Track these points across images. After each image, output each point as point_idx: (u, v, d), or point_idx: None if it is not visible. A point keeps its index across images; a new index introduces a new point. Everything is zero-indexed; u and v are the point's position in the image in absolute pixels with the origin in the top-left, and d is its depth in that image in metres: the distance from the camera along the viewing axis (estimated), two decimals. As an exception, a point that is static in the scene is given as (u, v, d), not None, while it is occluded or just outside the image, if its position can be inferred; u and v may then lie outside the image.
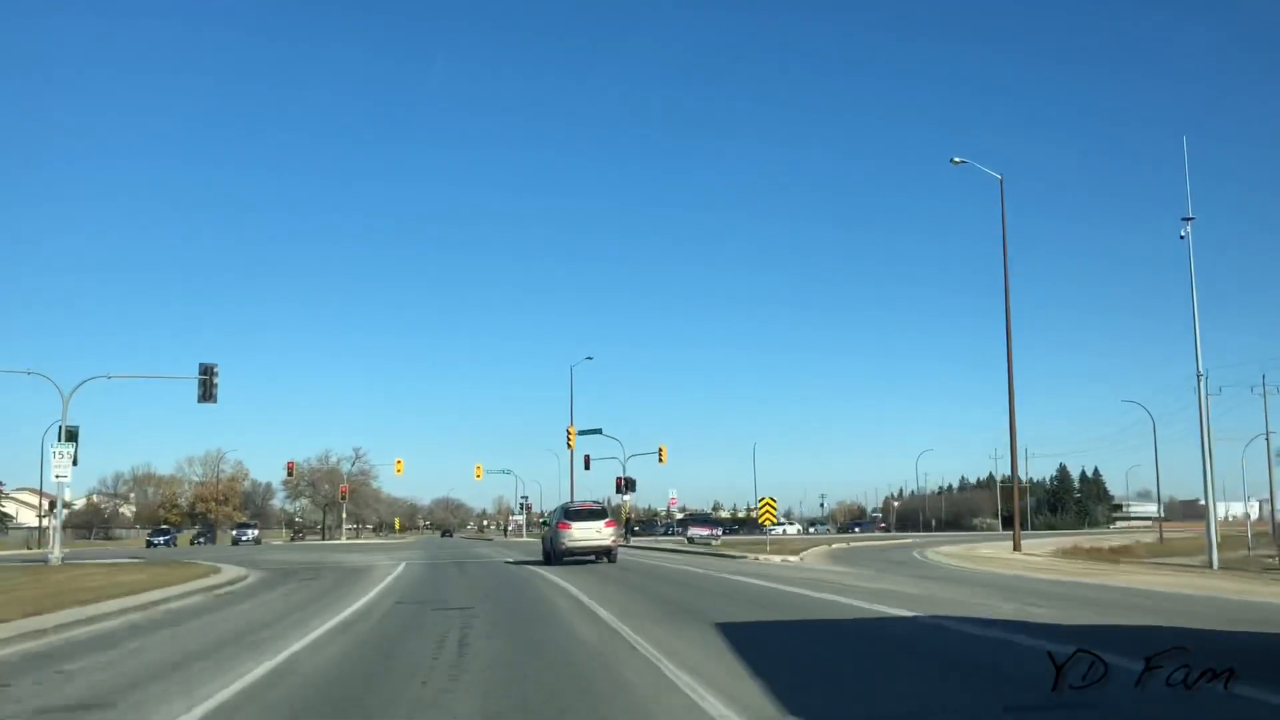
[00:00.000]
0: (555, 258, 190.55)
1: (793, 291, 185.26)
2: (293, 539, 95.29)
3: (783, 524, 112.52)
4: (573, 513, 30.73)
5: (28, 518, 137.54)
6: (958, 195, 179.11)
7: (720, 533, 48.57)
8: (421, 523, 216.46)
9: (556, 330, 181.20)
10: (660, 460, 71.22)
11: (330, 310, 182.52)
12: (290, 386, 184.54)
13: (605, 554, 30.19)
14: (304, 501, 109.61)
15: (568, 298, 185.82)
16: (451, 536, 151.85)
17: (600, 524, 30.18)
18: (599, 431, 57.53)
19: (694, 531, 48.84)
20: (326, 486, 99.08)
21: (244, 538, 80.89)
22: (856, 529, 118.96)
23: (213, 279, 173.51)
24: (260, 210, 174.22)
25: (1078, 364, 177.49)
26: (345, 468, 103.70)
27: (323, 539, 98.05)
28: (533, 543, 66.61)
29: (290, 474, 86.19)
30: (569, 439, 58.21)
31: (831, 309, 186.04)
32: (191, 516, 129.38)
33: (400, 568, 29.41)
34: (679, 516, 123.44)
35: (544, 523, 33.69)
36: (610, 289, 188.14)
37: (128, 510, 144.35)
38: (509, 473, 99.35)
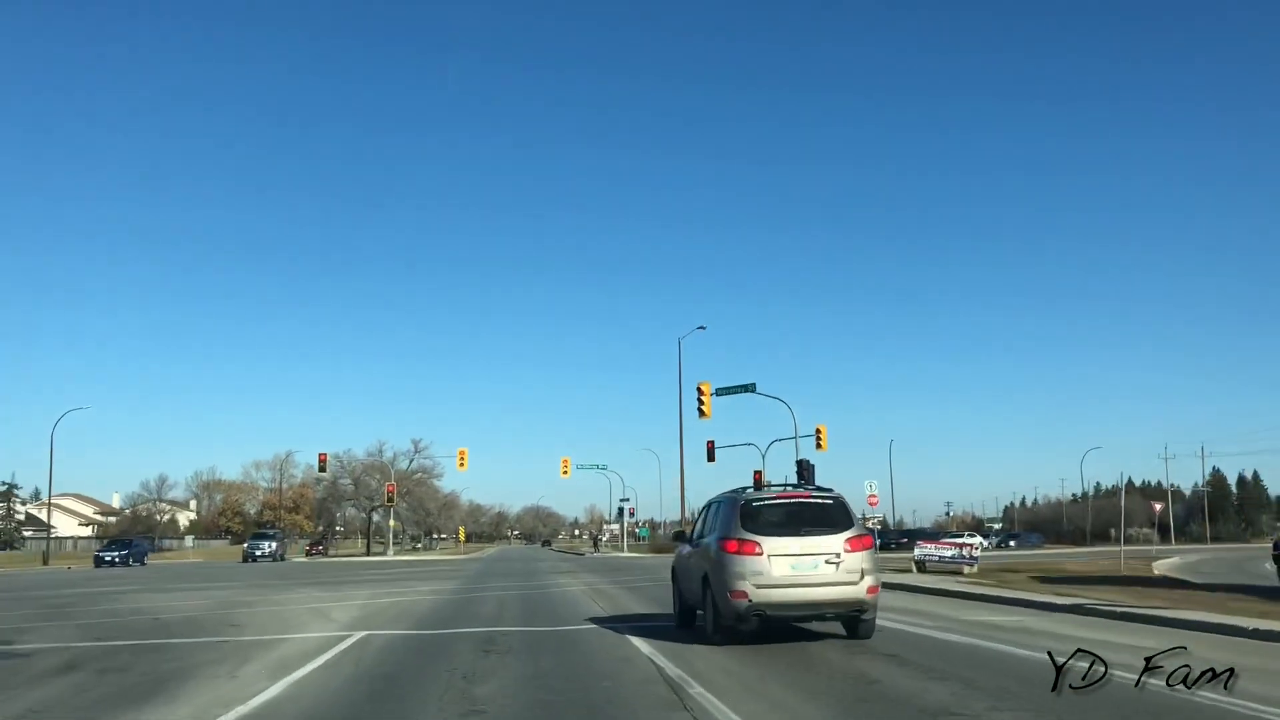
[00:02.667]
0: (652, 230, 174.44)
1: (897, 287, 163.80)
2: (309, 553, 77.82)
3: (961, 535, 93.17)
4: (761, 511, 12.34)
5: (69, 526, 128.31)
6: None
7: (978, 551, 29.06)
8: (510, 532, 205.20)
9: (655, 324, 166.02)
10: (819, 446, 52.53)
11: (401, 306, 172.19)
12: (369, 387, 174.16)
13: (853, 616, 12.17)
14: (348, 506, 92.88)
15: (667, 284, 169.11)
16: (549, 546, 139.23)
17: (836, 541, 11.89)
18: (751, 389, 38.20)
19: (926, 551, 29.42)
20: (374, 485, 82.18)
21: (259, 552, 64.49)
22: (1012, 542, 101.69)
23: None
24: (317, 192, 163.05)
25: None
26: (403, 465, 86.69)
27: (367, 553, 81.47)
28: (633, 561, 48.10)
29: (322, 468, 69.72)
30: (701, 402, 39.15)
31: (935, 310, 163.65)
32: (259, 525, 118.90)
33: (317, 664, 11.24)
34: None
35: (683, 538, 13.64)
36: (713, 269, 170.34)
37: (184, 518, 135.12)
38: (604, 468, 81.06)
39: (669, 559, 53.31)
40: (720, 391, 39.42)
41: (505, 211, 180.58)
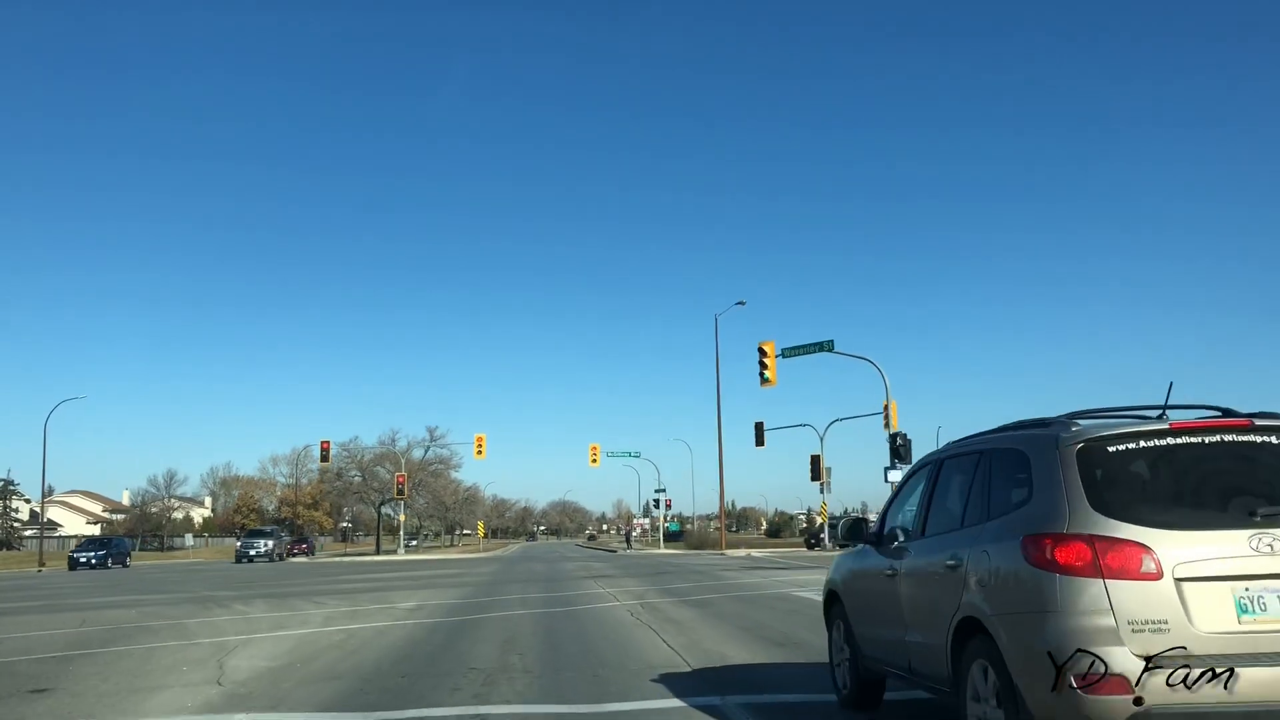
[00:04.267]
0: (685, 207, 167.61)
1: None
2: (290, 553, 68.25)
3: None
4: (1139, 466, 4.85)
5: (76, 525, 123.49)
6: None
7: None
8: (535, 527, 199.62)
9: (685, 309, 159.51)
10: (888, 425, 45.37)
11: (423, 298, 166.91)
12: (390, 380, 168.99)
13: None
14: (355, 500, 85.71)
15: (698, 268, 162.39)
16: (595, 540, 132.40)
17: None
18: (827, 347, 30.52)
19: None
20: (385, 476, 75.15)
21: (253, 551, 58.02)
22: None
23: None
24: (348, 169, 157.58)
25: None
26: (417, 455, 79.56)
27: (376, 551, 74.71)
28: (675, 561, 40.38)
29: (324, 457, 62.97)
30: (764, 366, 31.62)
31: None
32: (277, 523, 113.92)
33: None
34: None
35: (861, 534, 5.62)
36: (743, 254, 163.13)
37: (199, 515, 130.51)
38: (636, 455, 73.72)
39: (715, 559, 44.85)
40: (788, 352, 31.87)
41: (526, 189, 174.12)
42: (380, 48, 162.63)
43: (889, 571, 6.40)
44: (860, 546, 7.30)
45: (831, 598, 7.75)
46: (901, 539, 6.50)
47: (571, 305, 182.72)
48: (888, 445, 28.20)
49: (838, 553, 8.28)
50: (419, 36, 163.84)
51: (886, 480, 27.96)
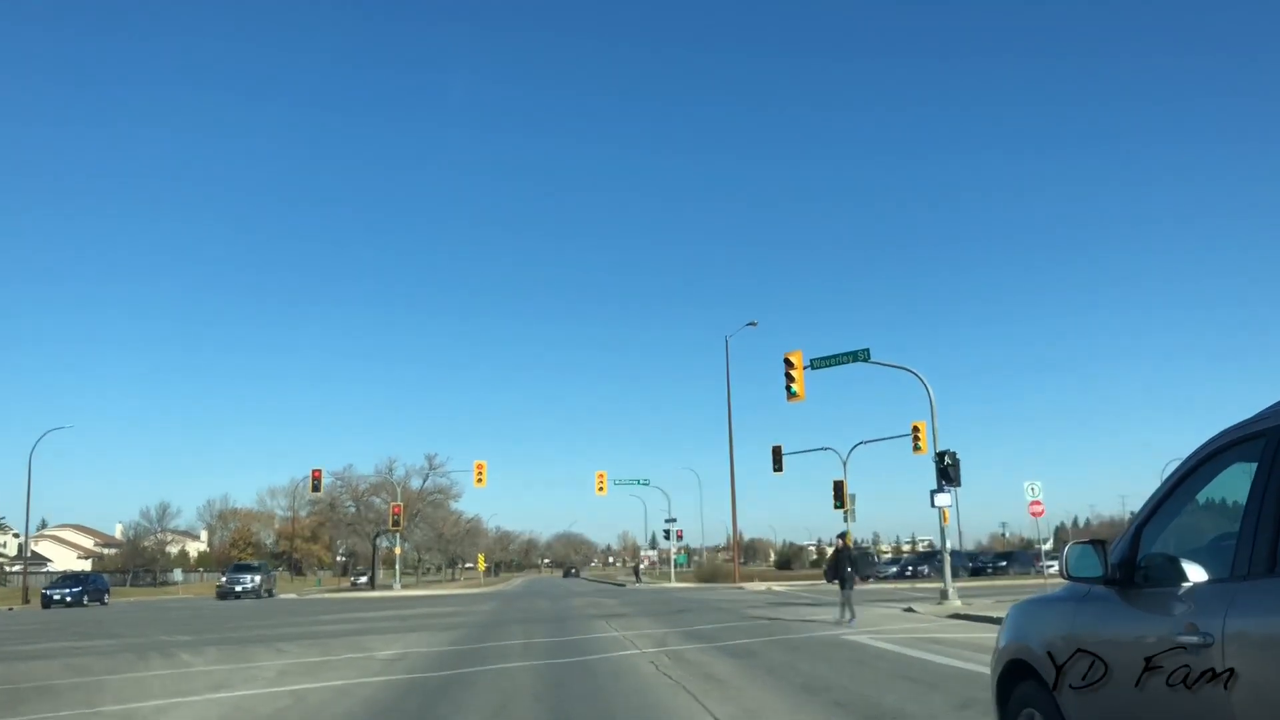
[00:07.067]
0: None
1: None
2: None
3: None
4: None
5: (67, 559, 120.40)
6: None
7: None
8: (540, 560, 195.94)
9: (693, 335, 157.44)
10: (917, 449, 42.63)
11: (424, 325, 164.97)
12: (394, 412, 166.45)
13: None
14: (349, 533, 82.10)
15: (708, 290, 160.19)
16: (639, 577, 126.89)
17: None
18: (863, 356, 27.06)
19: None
20: (381, 507, 71.82)
21: (239, 587, 54.93)
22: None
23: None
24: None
25: None
26: (415, 484, 76.29)
27: (371, 586, 71.35)
28: (691, 597, 36.48)
29: (315, 487, 59.87)
30: (790, 379, 28.32)
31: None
32: (275, 557, 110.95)
33: None
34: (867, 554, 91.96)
35: (1090, 558, 2.61)
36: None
37: (193, 549, 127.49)
38: (645, 483, 70.48)
39: (733, 593, 40.64)
40: (817, 363, 28.61)
41: (527, 209, 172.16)
42: (345, 95, 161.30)
43: (1190, 640, 3.47)
44: (1079, 588, 4.39)
45: (1017, 672, 4.79)
46: (1201, 578, 3.60)
47: (577, 328, 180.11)
48: (934, 464, 25.18)
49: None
50: (415, 58, 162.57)
51: (933, 505, 24.96)
